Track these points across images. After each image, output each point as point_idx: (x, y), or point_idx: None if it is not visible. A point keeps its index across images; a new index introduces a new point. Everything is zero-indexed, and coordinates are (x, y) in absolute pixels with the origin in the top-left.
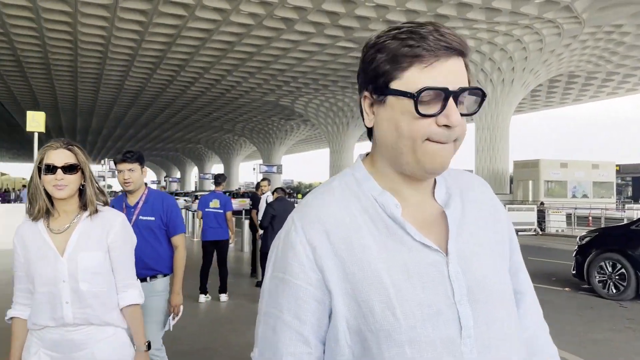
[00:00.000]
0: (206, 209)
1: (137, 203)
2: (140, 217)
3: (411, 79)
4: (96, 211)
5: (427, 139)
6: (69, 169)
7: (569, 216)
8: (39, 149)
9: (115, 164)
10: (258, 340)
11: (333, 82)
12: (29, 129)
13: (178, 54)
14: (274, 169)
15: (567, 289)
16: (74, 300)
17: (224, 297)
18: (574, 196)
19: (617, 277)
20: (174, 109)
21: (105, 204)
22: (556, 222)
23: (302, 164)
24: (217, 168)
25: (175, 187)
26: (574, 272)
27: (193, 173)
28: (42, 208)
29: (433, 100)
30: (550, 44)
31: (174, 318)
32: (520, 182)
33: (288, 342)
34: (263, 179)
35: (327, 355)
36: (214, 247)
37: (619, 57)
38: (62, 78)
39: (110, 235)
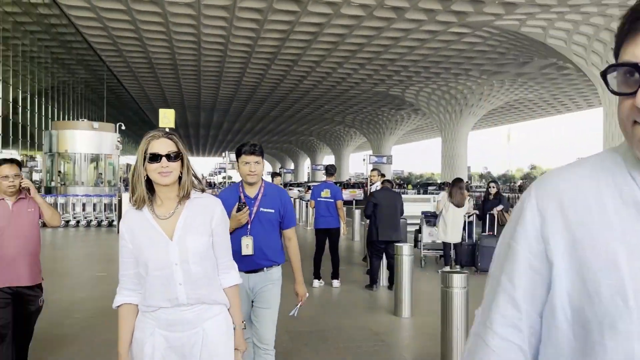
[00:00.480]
0: (318, 199)
1: (257, 195)
2: (261, 209)
3: (624, 52)
4: (191, 197)
5: (636, 122)
6: (172, 156)
7: None
8: None
9: (240, 155)
10: (483, 299)
11: (445, 69)
12: (161, 124)
13: (291, 49)
14: (384, 159)
15: None
16: (186, 281)
17: (336, 282)
18: None
19: None
20: (287, 103)
21: (202, 191)
22: None
23: (412, 154)
24: (328, 159)
25: (289, 177)
26: None
27: (306, 164)
28: (141, 196)
29: (632, 78)
30: None
31: (300, 305)
32: None
33: (501, 303)
34: (373, 170)
35: (544, 329)
36: (325, 235)
37: None
38: (187, 77)
39: (214, 220)
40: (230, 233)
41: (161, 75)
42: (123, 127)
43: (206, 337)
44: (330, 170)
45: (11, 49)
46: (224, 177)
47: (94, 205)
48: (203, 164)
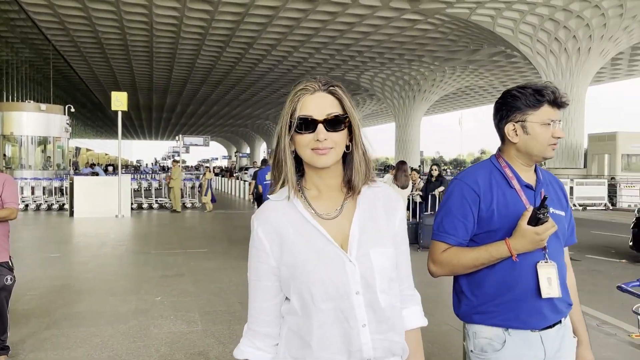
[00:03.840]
0: (264, 182)
1: (538, 183)
2: (553, 211)
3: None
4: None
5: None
6: (334, 122)
7: None
8: (122, 127)
9: (537, 104)
10: None
11: (399, 55)
12: (113, 108)
13: (246, 32)
14: None
15: (623, 260)
16: (372, 320)
17: None
18: None
19: None
20: (243, 86)
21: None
22: (628, 197)
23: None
24: None
25: (245, 162)
26: (631, 244)
27: (262, 148)
28: (291, 180)
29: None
30: (631, 9)
31: None
32: (595, 156)
33: None
34: None
35: None
36: None
37: None
38: (139, 58)
39: (397, 223)
40: (506, 258)
41: (111, 56)
42: (72, 110)
43: None
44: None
45: None
46: (176, 161)
47: (44, 188)
48: (156, 148)
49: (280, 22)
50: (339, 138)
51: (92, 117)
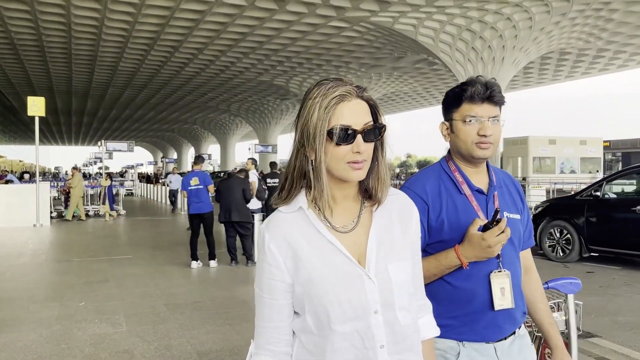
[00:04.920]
0: (189, 188)
1: (491, 186)
2: (507, 215)
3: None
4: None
5: None
6: (370, 133)
7: (548, 191)
8: (40, 132)
9: (458, 103)
10: None
11: (327, 61)
12: (30, 113)
13: (171, 35)
14: (269, 148)
15: None
16: (390, 340)
17: (213, 263)
18: (562, 172)
19: (563, 242)
20: (168, 90)
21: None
22: (536, 197)
23: None
24: (214, 148)
25: (171, 167)
26: None
27: (189, 153)
28: (325, 197)
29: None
30: (539, 21)
31: None
32: (510, 159)
33: None
34: (249, 159)
35: None
36: (199, 220)
37: (609, 34)
38: (56, 60)
39: (412, 232)
40: (457, 268)
41: (25, 57)
42: None
43: None
44: (197, 160)
45: None
46: (99, 168)
47: None
48: (76, 154)
49: (207, 27)
50: (371, 149)
51: (4, 121)
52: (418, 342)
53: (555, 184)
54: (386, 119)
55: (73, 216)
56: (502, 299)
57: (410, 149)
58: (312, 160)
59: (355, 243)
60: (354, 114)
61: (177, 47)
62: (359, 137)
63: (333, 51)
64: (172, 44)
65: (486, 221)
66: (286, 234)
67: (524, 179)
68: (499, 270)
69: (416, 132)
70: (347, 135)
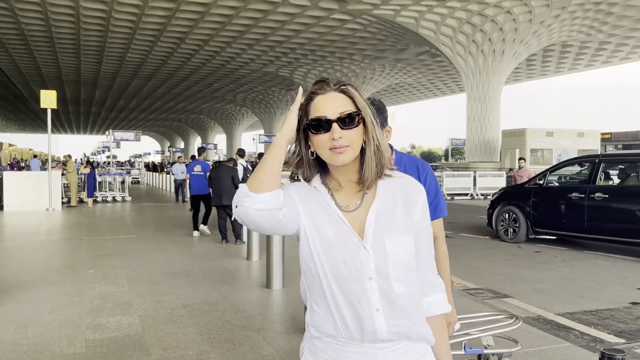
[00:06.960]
0: (192, 173)
1: None
2: None
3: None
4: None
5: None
6: (347, 121)
7: None
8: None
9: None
10: None
11: (330, 53)
12: (42, 105)
13: (178, 27)
14: (273, 138)
15: (487, 237)
16: (385, 306)
17: (203, 227)
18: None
19: (513, 224)
20: (175, 80)
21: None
22: None
23: None
24: (220, 138)
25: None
26: (487, 222)
27: (196, 143)
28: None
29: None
30: (539, 15)
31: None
32: (508, 151)
33: None
34: (239, 149)
35: None
36: (199, 200)
37: (610, 27)
38: (65, 51)
39: (417, 212)
40: None
41: (36, 48)
42: None
43: None
44: (200, 151)
45: None
46: (107, 157)
47: None
48: (85, 143)
49: (212, 19)
50: (355, 135)
51: (15, 111)
52: (417, 313)
53: None
54: (390, 110)
55: (79, 201)
56: None
57: (415, 139)
58: (298, 151)
59: (357, 220)
60: (328, 105)
61: (184, 38)
62: (335, 125)
63: (337, 43)
64: (178, 35)
65: None
66: (305, 192)
67: (510, 169)
68: None
69: (420, 123)
70: (321, 125)
